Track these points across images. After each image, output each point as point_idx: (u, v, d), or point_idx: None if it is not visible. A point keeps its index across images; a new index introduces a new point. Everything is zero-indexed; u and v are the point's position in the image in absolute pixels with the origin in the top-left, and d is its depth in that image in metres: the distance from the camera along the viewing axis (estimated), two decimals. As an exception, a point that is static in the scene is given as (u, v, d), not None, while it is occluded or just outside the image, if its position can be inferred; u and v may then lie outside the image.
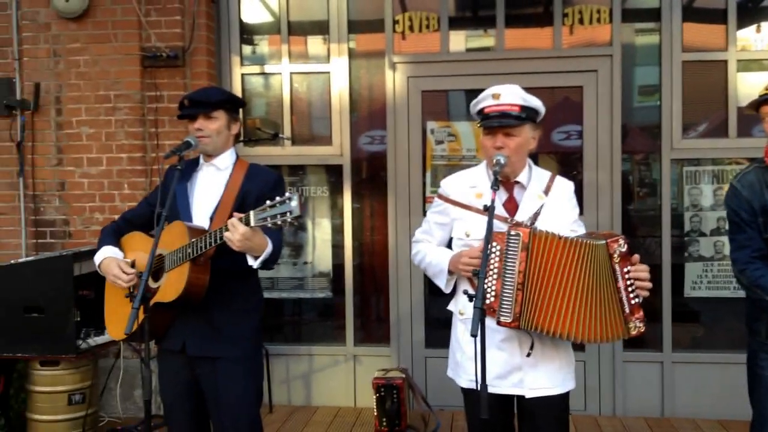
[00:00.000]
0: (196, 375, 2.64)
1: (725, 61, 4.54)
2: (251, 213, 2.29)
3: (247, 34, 4.99)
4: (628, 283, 2.29)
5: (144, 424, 2.38)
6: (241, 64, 4.91)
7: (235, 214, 2.36)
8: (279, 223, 2.23)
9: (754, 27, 4.64)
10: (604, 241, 2.30)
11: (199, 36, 4.63)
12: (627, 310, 2.29)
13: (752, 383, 2.67)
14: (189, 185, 2.74)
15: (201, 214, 2.66)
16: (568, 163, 4.81)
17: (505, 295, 2.29)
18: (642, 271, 2.31)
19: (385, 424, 4.31)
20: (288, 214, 2.21)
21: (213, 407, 2.65)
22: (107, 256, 2.69)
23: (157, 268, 2.60)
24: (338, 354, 4.88)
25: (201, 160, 2.77)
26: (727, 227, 2.74)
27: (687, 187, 4.62)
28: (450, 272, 2.52)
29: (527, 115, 2.44)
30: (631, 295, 2.29)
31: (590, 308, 2.28)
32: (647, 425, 4.42)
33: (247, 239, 2.32)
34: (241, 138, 4.75)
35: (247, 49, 5.01)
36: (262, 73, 4.98)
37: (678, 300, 4.61)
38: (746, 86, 4.50)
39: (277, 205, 2.24)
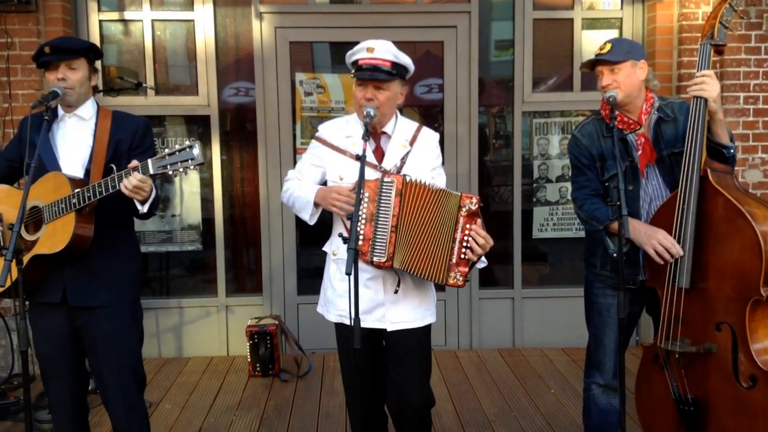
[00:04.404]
0: (76, 326, 2.62)
1: (571, 20, 4.90)
2: (149, 162, 2.36)
3: (105, -23, 4.76)
4: (465, 238, 2.51)
5: (23, 375, 2.33)
6: (99, 10, 4.69)
7: (133, 162, 2.41)
8: (180, 170, 2.33)
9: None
10: (459, 194, 2.53)
11: (53, -21, 4.39)
12: (453, 260, 2.52)
13: (588, 309, 3.05)
14: (49, 137, 2.66)
15: (72, 166, 2.61)
16: (430, 116, 5.04)
17: (378, 237, 2.47)
18: (480, 236, 2.50)
19: (258, 369, 4.44)
20: (190, 161, 2.31)
21: (94, 357, 2.64)
22: None
23: (33, 220, 2.55)
24: (210, 305, 4.90)
25: (60, 111, 2.69)
26: (571, 174, 3.06)
27: (536, 137, 5.00)
28: (316, 205, 2.65)
29: (397, 71, 2.60)
30: (463, 250, 2.51)
31: (427, 247, 2.51)
32: (500, 355, 4.85)
33: (144, 187, 2.41)
34: (101, 87, 4.57)
35: (105, -6, 4.79)
36: (122, 20, 4.78)
37: (527, 242, 5.02)
38: (590, 43, 4.86)
39: (177, 152, 2.32)
